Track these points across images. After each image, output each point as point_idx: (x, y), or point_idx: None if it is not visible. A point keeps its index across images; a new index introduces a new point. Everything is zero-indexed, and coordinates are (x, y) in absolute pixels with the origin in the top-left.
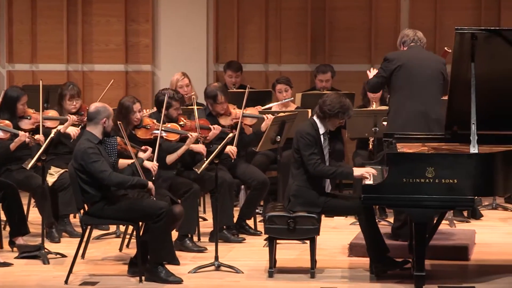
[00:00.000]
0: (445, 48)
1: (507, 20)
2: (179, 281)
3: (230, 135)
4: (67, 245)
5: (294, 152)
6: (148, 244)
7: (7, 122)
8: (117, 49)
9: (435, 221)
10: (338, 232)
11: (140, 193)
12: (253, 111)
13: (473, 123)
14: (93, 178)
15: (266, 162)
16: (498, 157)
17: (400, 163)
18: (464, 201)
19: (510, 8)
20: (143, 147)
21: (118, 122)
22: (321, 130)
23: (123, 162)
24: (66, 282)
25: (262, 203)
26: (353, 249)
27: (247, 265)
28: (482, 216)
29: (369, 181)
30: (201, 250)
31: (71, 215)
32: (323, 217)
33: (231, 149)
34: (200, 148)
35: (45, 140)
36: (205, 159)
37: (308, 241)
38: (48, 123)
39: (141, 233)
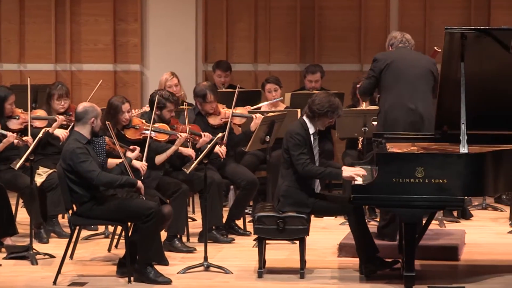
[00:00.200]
0: (435, 47)
1: (496, 19)
2: (168, 281)
3: (219, 135)
4: (56, 246)
5: (283, 152)
6: (137, 245)
7: None
8: (105, 49)
9: (424, 221)
10: (328, 233)
11: (129, 193)
12: (242, 110)
13: (463, 123)
14: (82, 178)
15: (255, 162)
16: (488, 157)
17: (389, 163)
18: (454, 201)
19: (500, 8)
20: (131, 147)
21: (106, 122)
22: (311, 130)
23: (111, 162)
24: (54, 282)
25: (251, 203)
26: (343, 250)
27: (236, 265)
28: (472, 216)
29: (358, 181)
30: (190, 250)
31: (60, 216)
32: (312, 217)
33: (220, 149)
34: (190, 151)
35: (34, 140)
36: (194, 159)
37: (297, 242)
38: (37, 123)
39: (129, 234)
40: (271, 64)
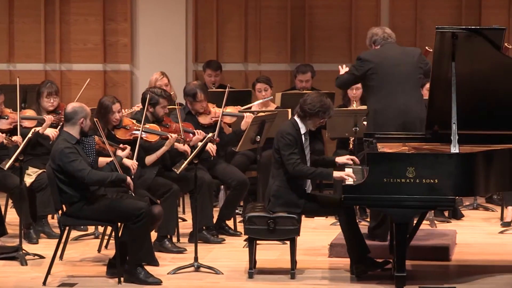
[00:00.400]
0: (426, 47)
1: (487, 19)
2: (158, 282)
3: (210, 134)
4: (45, 246)
5: (274, 152)
6: (127, 245)
7: None
8: (95, 49)
9: (415, 221)
10: (319, 233)
11: (119, 193)
12: (233, 110)
13: (454, 123)
14: (72, 178)
15: (245, 162)
16: (479, 157)
17: (380, 163)
18: (445, 201)
19: (491, 7)
20: (121, 145)
21: (95, 119)
22: (302, 130)
23: (102, 160)
24: (44, 283)
25: (242, 203)
26: (334, 250)
27: (227, 266)
28: (463, 216)
29: (349, 182)
30: (181, 251)
31: (49, 216)
32: (303, 217)
33: (211, 147)
34: (185, 147)
35: (23, 140)
36: (184, 159)
37: (288, 242)
38: (26, 123)
39: (120, 234)
40: (262, 64)
